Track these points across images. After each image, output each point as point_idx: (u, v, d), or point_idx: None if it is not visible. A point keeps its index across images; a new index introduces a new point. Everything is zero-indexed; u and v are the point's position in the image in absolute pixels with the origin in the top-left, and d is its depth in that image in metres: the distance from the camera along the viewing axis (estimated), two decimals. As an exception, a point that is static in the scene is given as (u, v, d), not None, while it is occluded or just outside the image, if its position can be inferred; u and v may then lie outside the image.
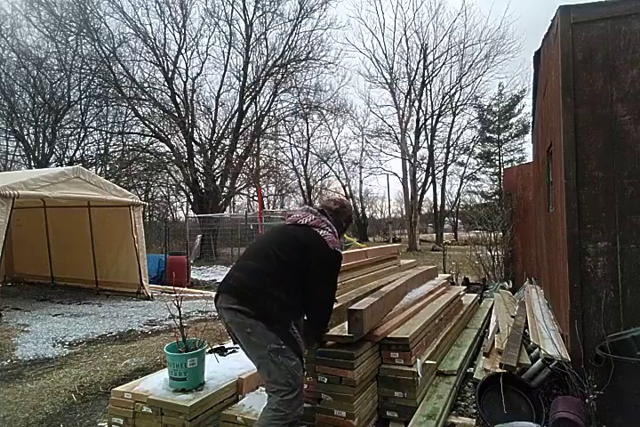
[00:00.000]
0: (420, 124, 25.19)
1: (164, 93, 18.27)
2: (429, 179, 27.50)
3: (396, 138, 25.69)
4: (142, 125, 18.55)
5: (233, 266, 2.39)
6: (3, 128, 17.60)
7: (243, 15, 18.24)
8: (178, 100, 17.83)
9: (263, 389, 2.52)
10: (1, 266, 8.30)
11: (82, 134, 18.79)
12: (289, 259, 2.19)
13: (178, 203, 25.81)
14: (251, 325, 2.09)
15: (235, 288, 2.19)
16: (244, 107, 18.65)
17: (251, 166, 21.07)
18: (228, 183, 19.24)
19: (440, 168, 29.21)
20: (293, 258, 2.19)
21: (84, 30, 16.31)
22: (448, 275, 6.07)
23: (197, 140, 18.57)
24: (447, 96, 25.62)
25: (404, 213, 28.62)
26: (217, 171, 18.44)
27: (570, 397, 2.70)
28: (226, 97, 26.26)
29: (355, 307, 2.58)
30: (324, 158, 29.94)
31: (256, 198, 20.37)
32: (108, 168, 20.02)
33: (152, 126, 17.96)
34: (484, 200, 31.02)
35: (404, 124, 24.19)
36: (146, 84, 17.98)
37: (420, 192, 25.65)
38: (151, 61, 17.73)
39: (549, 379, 3.04)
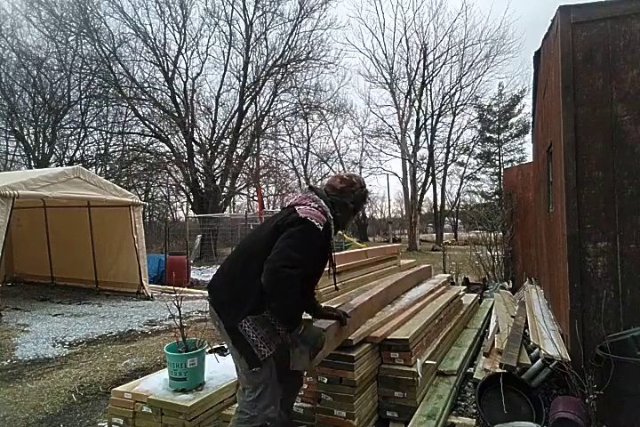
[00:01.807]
0: (420, 124, 25.18)
1: (164, 93, 18.33)
2: (429, 179, 27.48)
3: (396, 138, 25.70)
4: (142, 125, 18.59)
5: None
6: (3, 128, 17.62)
7: (243, 15, 18.29)
8: (178, 100, 17.87)
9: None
10: (1, 266, 8.31)
11: (82, 134, 18.84)
12: (257, 246, 1.98)
13: (178, 203, 25.84)
14: (216, 318, 2.02)
15: (209, 284, 2.16)
16: (244, 107, 18.68)
17: (251, 166, 21.09)
18: (228, 183, 19.26)
19: (440, 168, 29.21)
20: (261, 244, 1.95)
21: (84, 30, 16.33)
22: (448, 275, 6.07)
23: (197, 140, 18.61)
24: (447, 96, 25.63)
25: (404, 213, 28.64)
26: (217, 171, 18.46)
27: (570, 397, 2.70)
28: (226, 97, 26.19)
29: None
30: (324, 158, 29.93)
31: (256, 198, 20.36)
32: (108, 168, 20.04)
33: (152, 126, 17.99)
34: (484, 200, 31.06)
35: (404, 124, 24.19)
36: (146, 84, 18.03)
37: (420, 192, 25.64)
38: (151, 61, 17.77)
39: (549, 379, 3.05)
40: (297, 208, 1.98)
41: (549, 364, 2.90)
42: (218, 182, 18.18)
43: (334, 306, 2.67)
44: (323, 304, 2.73)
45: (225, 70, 18.70)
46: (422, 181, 26.65)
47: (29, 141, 17.86)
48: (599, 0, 2.98)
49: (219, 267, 2.19)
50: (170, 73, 17.77)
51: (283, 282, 1.80)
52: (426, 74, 24.30)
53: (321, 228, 1.93)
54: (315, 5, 18.73)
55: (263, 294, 1.86)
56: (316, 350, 1.93)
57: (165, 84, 17.95)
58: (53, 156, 18.27)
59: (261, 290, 1.86)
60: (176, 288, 8.01)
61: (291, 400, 2.33)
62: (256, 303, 1.91)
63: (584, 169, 2.98)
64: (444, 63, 24.38)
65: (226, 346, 2.13)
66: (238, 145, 19.32)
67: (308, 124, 27.68)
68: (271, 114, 20.44)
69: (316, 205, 2.01)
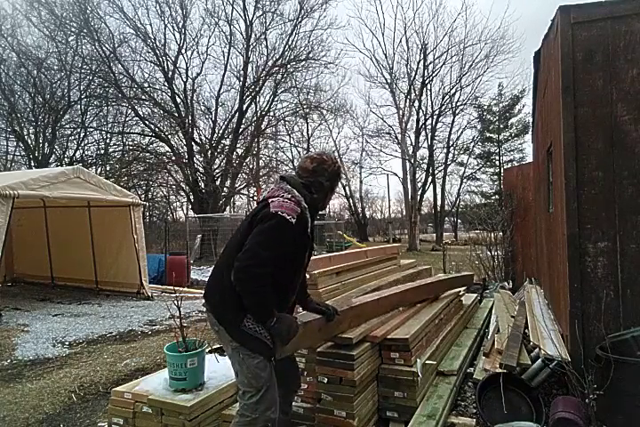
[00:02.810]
0: (420, 124, 25.17)
1: (164, 93, 18.33)
2: (429, 179, 27.49)
3: (396, 138, 25.67)
4: (142, 125, 18.58)
5: None
6: (3, 128, 17.63)
7: (243, 15, 18.28)
8: (178, 100, 17.86)
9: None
10: (1, 266, 8.31)
11: (82, 134, 18.82)
12: (237, 244, 1.95)
13: (178, 203, 25.82)
14: (214, 323, 2.01)
15: (205, 289, 2.16)
16: (244, 107, 18.66)
17: (251, 166, 21.07)
18: (228, 183, 19.25)
19: (440, 168, 29.21)
20: (240, 242, 1.93)
21: (85, 30, 16.33)
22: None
23: (197, 140, 18.60)
24: (447, 96, 25.61)
25: (404, 213, 28.62)
26: (217, 171, 18.45)
27: (570, 397, 2.70)
28: (226, 97, 26.26)
29: None
30: (324, 158, 29.83)
31: (256, 198, 20.36)
32: (108, 168, 20.04)
33: (152, 126, 17.97)
34: (484, 200, 31.05)
35: (404, 124, 24.17)
36: (146, 84, 18.02)
37: (420, 192, 25.64)
38: (151, 61, 17.77)
39: (549, 379, 3.04)
40: (270, 201, 1.95)
41: (549, 364, 2.90)
42: (218, 182, 18.17)
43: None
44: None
45: (225, 70, 18.72)
46: (422, 181, 26.69)
47: (29, 141, 17.85)
48: (599, 0, 2.98)
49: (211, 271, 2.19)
50: (170, 73, 17.76)
51: (250, 281, 1.81)
52: (426, 74, 24.32)
53: (293, 220, 1.89)
54: (315, 5, 18.73)
55: None
56: (287, 339, 1.96)
57: (165, 84, 17.95)
58: (53, 156, 18.26)
59: None
60: (176, 288, 8.01)
61: (289, 398, 2.33)
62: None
63: (584, 169, 2.98)
64: (443, 63, 24.40)
65: (226, 352, 2.11)
66: (238, 145, 19.31)
67: (307, 124, 27.73)
68: (271, 114, 20.44)
69: (289, 196, 1.96)
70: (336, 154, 29.84)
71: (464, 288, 5.10)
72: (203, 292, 2.17)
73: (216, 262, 2.17)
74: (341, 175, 2.24)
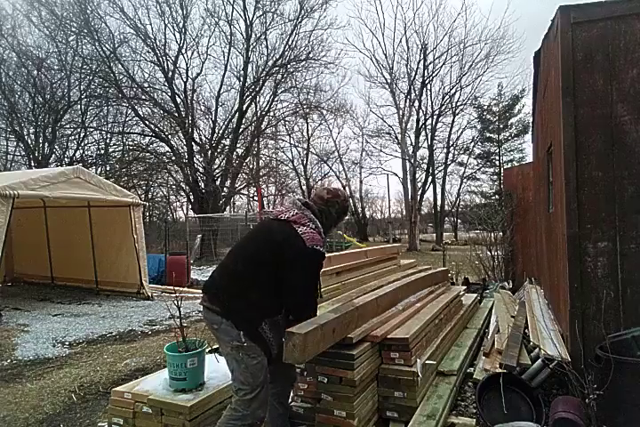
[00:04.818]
0: (420, 124, 25.16)
1: (164, 93, 18.33)
2: (429, 179, 27.47)
3: (396, 138, 25.69)
4: (142, 125, 18.57)
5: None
6: (3, 128, 17.62)
7: (243, 15, 18.28)
8: (178, 100, 17.87)
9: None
10: (1, 266, 8.30)
11: (82, 134, 18.81)
12: (262, 259, 2.12)
13: (178, 203, 25.83)
14: (217, 321, 2.12)
15: (208, 288, 2.28)
16: (244, 107, 18.67)
17: (251, 166, 21.08)
18: (228, 183, 19.26)
19: (440, 168, 29.20)
20: (267, 258, 2.11)
21: (85, 30, 16.33)
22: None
23: (197, 140, 18.60)
24: (447, 96, 25.58)
25: (404, 213, 28.63)
26: (217, 171, 18.46)
27: (570, 397, 2.70)
28: (226, 97, 26.31)
29: (294, 330, 1.97)
30: (324, 158, 29.89)
31: (256, 198, 20.36)
32: (108, 168, 20.04)
33: (152, 126, 17.97)
34: (484, 200, 31.04)
35: (404, 124, 24.18)
36: (146, 84, 18.03)
37: (420, 192, 25.62)
38: (151, 61, 17.77)
39: (549, 379, 3.04)
40: (298, 230, 2.13)
41: (549, 364, 2.90)
42: (218, 182, 18.18)
43: (335, 305, 2.69)
44: (324, 303, 2.78)
45: (225, 70, 18.73)
46: (422, 181, 26.65)
47: (29, 141, 17.85)
48: (599, 0, 2.98)
49: (217, 271, 2.33)
50: (170, 73, 17.76)
51: (308, 313, 2.17)
52: (426, 74, 24.30)
53: (324, 250, 2.16)
54: (315, 5, 18.73)
55: (275, 300, 2.15)
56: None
57: (165, 84, 17.95)
58: (53, 156, 18.25)
59: (273, 297, 2.14)
60: (176, 288, 8.01)
61: (285, 393, 2.41)
62: (271, 310, 2.16)
63: (584, 169, 2.98)
64: (443, 63, 24.37)
65: (221, 350, 2.22)
66: (238, 145, 19.32)
67: (308, 124, 27.70)
68: (271, 114, 20.46)
69: (314, 226, 2.18)
70: (336, 154, 29.91)
71: (464, 288, 5.11)
72: (209, 292, 2.26)
73: (232, 266, 2.25)
74: (347, 213, 2.52)
